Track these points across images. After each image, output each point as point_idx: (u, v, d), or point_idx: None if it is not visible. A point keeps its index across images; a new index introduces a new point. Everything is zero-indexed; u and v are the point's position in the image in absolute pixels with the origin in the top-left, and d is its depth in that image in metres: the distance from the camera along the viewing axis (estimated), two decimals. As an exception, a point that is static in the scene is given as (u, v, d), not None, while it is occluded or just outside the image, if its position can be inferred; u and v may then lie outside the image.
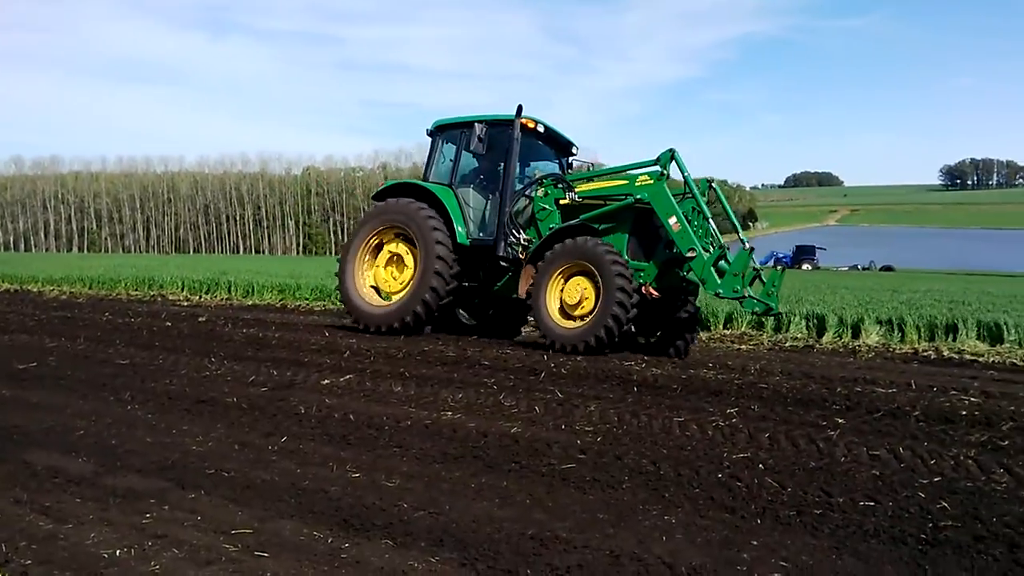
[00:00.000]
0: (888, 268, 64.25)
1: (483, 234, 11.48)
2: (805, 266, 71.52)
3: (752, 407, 7.19)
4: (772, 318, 13.59)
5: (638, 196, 10.49)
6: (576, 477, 5.46)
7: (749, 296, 9.62)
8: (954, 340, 14.63)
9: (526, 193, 11.58)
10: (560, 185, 11.25)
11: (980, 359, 13.14)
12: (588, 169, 12.03)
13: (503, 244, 11.12)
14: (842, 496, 5.01)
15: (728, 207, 11.01)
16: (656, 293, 10.30)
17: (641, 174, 10.64)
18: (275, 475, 5.50)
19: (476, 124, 10.99)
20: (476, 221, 11.60)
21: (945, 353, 13.65)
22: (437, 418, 7.03)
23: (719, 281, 9.71)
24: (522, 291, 10.68)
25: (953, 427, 6.42)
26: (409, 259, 11.57)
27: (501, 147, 11.26)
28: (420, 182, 11.81)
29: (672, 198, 10.18)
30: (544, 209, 11.24)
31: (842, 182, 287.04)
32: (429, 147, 12.35)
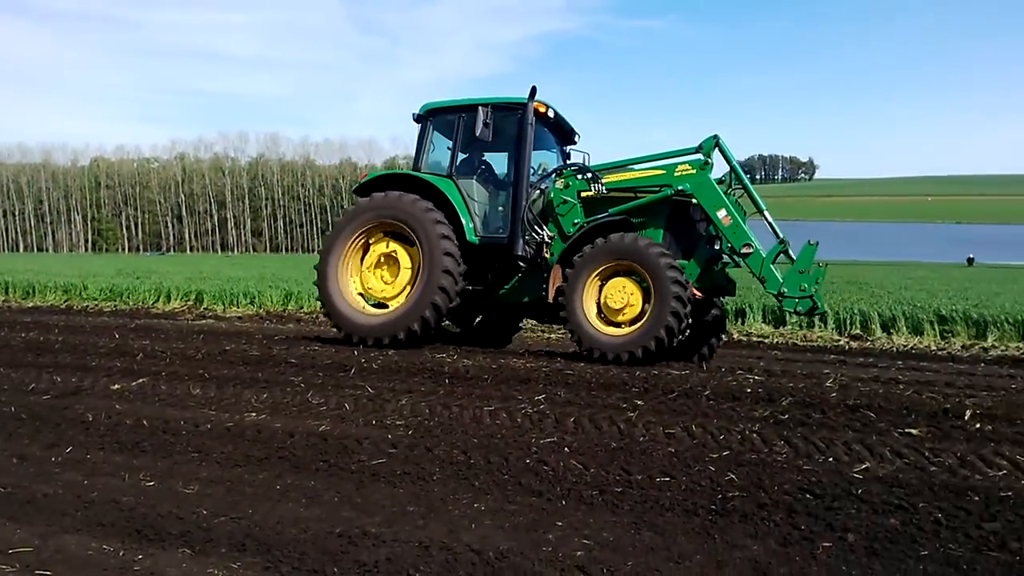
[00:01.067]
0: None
1: (493, 231, 10.22)
2: None
3: (559, 393, 7.44)
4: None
5: (679, 187, 9.45)
6: (387, 472, 5.45)
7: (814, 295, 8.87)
8: (743, 323, 15.88)
9: (540, 185, 10.54)
10: (582, 175, 10.13)
11: (766, 340, 14.33)
12: (585, 161, 10.78)
13: (520, 242, 9.87)
14: (640, 474, 5.30)
15: (755, 195, 9.66)
16: (700, 294, 9.60)
17: (681, 163, 9.65)
18: (59, 488, 5.12)
19: (480, 108, 9.80)
20: (482, 217, 10.37)
21: (735, 336, 14.75)
22: (240, 420, 6.78)
23: (780, 279, 8.98)
24: (552, 293, 9.73)
25: (740, 404, 6.94)
26: (406, 260, 10.18)
27: (506, 133, 10.16)
28: (416, 173, 10.43)
29: (719, 189, 9.37)
30: (565, 202, 10.04)
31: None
32: (418, 134, 10.88)
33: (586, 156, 10.97)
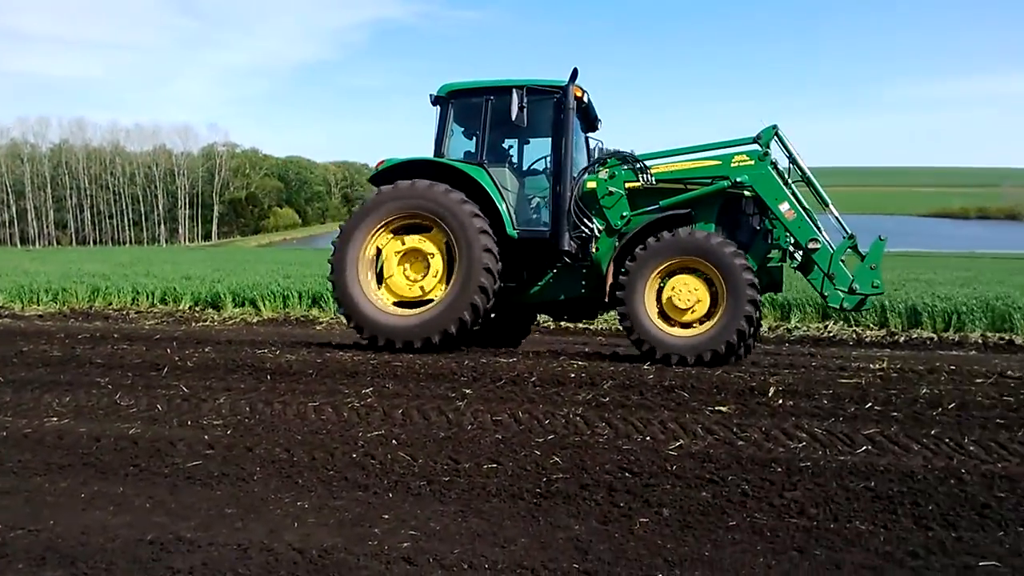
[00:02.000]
0: None
1: (533, 224, 9.63)
2: None
3: (387, 385, 7.40)
4: None
5: (737, 179, 9.02)
6: (203, 474, 5.23)
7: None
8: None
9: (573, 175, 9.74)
10: (628, 165, 9.55)
11: (590, 327, 14.83)
12: (600, 149, 10.28)
13: (567, 236, 9.25)
14: (468, 462, 5.36)
15: (820, 188, 9.30)
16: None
17: (737, 153, 9.23)
18: None
19: (515, 90, 9.10)
20: (518, 208, 9.72)
21: (562, 323, 15.17)
22: (39, 426, 6.31)
23: (850, 275, 8.70)
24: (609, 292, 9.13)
25: (564, 389, 7.16)
26: (437, 256, 9.37)
27: (537, 118, 9.48)
28: (446, 160, 9.67)
29: (780, 181, 9.02)
30: (611, 194, 9.41)
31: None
32: (438, 117, 9.99)
33: (600, 144, 10.49)
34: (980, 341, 13.26)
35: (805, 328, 14.36)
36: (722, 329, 8.47)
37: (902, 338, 13.53)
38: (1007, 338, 13.41)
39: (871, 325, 14.41)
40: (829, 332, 14.10)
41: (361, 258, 9.40)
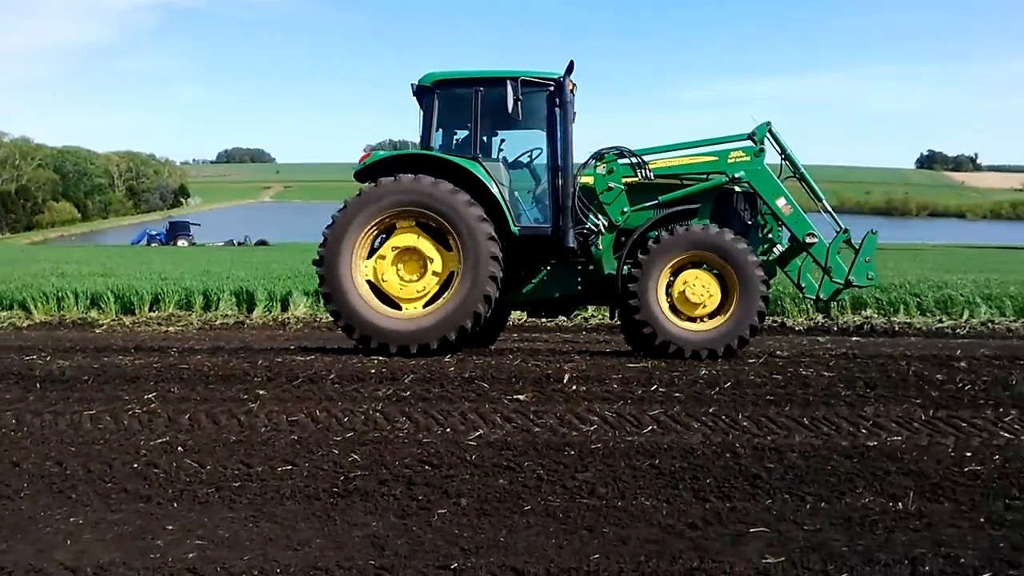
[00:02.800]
0: (263, 242, 66.34)
1: (534, 221, 9.36)
2: (181, 242, 68.97)
3: (172, 390, 7.04)
4: None
5: (735, 174, 9.18)
6: (-41, 495, 4.76)
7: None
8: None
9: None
10: (625, 160, 9.46)
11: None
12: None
13: (571, 233, 9.03)
14: (261, 465, 5.20)
15: (813, 184, 9.55)
16: None
17: (733, 149, 9.32)
18: None
19: (509, 81, 8.78)
20: (515, 204, 9.34)
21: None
22: None
23: (846, 268, 9.00)
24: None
25: (364, 385, 7.12)
26: (436, 257, 8.88)
27: (529, 111, 9.20)
28: (442, 155, 9.11)
29: (775, 177, 9.22)
30: (610, 189, 9.30)
31: (274, 159, 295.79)
32: (424, 109, 9.43)
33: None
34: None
35: (601, 317, 14.99)
36: (736, 324, 8.64)
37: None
38: (780, 321, 14.66)
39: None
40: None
41: (353, 256, 8.83)
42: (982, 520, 4.23)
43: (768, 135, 9.40)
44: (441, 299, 8.83)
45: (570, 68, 9.23)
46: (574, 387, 6.96)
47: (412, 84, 9.53)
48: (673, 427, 5.95)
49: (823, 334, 13.25)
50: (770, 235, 9.62)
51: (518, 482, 4.86)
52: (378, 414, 6.26)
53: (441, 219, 8.72)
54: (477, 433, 5.80)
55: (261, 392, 6.91)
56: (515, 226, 9.05)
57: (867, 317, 14.77)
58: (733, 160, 9.30)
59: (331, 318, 9.19)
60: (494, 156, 9.76)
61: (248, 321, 14.92)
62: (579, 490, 4.73)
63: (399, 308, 8.90)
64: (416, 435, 5.81)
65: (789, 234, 9.30)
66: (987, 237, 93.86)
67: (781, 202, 9.16)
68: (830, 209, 9.56)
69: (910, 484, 4.78)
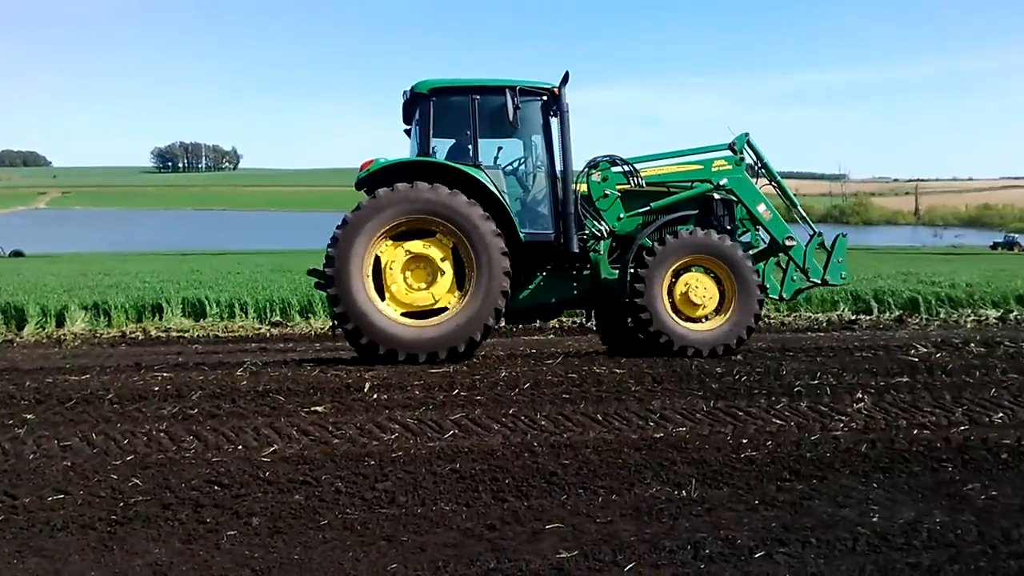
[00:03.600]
0: (18, 253, 61.44)
1: (537, 227, 9.50)
2: None
3: (-80, 419, 6.34)
4: None
5: (718, 182, 9.83)
6: None
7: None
8: (161, 319, 15.36)
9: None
10: (618, 168, 9.84)
11: (186, 334, 14.09)
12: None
13: (575, 239, 9.26)
14: (29, 496, 4.78)
15: (788, 191, 10.41)
16: None
17: (716, 159, 9.98)
18: None
19: (508, 90, 9.04)
20: (516, 211, 9.39)
21: (153, 333, 14.22)
22: None
23: (822, 269, 9.85)
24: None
25: (146, 404, 6.70)
26: (446, 264, 8.91)
27: (528, 120, 9.50)
28: (451, 163, 9.14)
29: (755, 184, 9.98)
30: (606, 196, 9.74)
31: (50, 163, 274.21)
32: (419, 116, 9.48)
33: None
34: (556, 325, 14.88)
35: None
36: (735, 324, 9.21)
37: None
38: (579, 321, 15.21)
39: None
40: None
41: (363, 265, 8.72)
42: (756, 502, 4.59)
43: (747, 145, 10.10)
44: (450, 311, 8.88)
45: (565, 78, 9.42)
46: (375, 396, 6.90)
47: (405, 91, 9.76)
48: (474, 430, 6.03)
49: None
50: (744, 238, 10.11)
51: (315, 497, 4.75)
52: (162, 434, 5.92)
53: (456, 230, 8.80)
54: (271, 449, 5.61)
55: (29, 416, 6.36)
56: (522, 233, 9.26)
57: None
58: (717, 168, 10.01)
59: (336, 322, 9.00)
60: (495, 163, 9.87)
61: (18, 339, 13.70)
62: (379, 500, 4.69)
63: (410, 316, 8.90)
64: (205, 454, 5.54)
65: (769, 237, 10.01)
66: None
67: (762, 207, 9.94)
68: (804, 214, 10.56)
69: (693, 472, 5.11)
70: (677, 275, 9.33)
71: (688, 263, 9.35)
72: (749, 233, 10.17)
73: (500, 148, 10.09)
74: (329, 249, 8.74)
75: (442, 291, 8.92)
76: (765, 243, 10.12)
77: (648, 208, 9.87)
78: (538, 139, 9.74)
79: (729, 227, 9.97)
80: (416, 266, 8.96)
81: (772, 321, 14.87)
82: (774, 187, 10.38)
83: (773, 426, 6.22)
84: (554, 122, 9.50)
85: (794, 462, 5.31)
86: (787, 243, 9.87)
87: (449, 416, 6.28)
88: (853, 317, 15.50)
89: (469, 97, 9.35)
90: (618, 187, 9.88)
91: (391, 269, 8.87)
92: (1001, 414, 6.45)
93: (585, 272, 9.85)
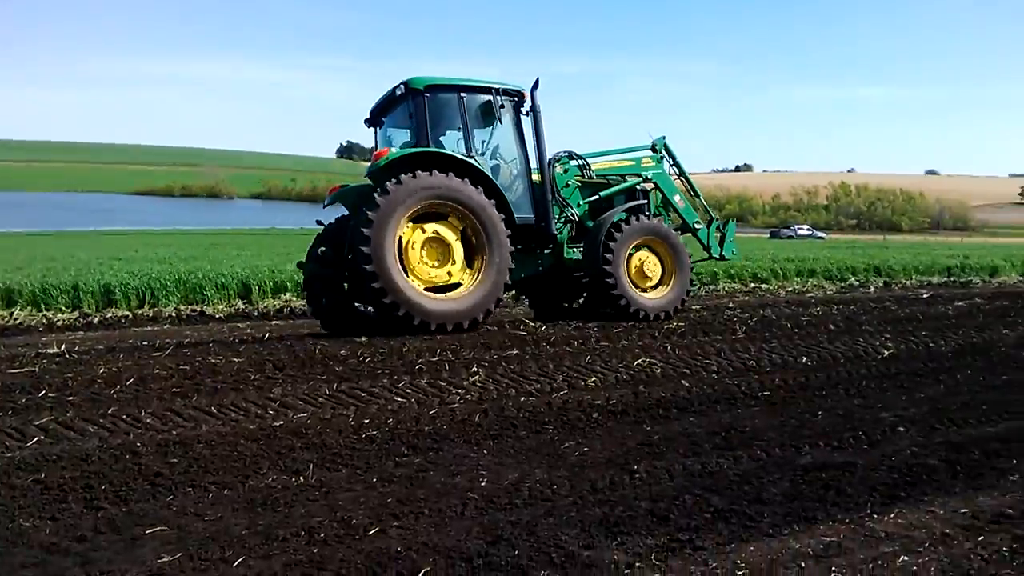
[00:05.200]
0: None
1: (522, 212, 10.91)
2: None
3: None
4: None
5: (646, 175, 12.34)
6: None
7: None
8: None
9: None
10: (575, 162, 11.93)
11: None
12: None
13: (552, 222, 11.04)
14: None
15: (693, 184, 13.26)
16: None
17: (643, 156, 12.47)
18: None
19: (493, 90, 10.68)
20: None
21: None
22: None
23: (720, 248, 12.59)
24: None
25: None
26: (457, 245, 10.13)
27: (504, 117, 10.93)
28: (457, 155, 10.28)
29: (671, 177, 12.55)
30: (568, 186, 11.71)
31: None
32: (414, 109, 10.44)
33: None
34: (174, 315, 14.00)
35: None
36: (676, 294, 11.58)
37: (96, 319, 13.40)
38: (199, 309, 14.47)
39: (63, 308, 13.90)
40: (16, 319, 13.17)
41: (394, 245, 9.59)
42: (375, 480, 4.67)
43: (664, 147, 12.65)
44: (465, 286, 10.09)
45: (536, 83, 10.83)
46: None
47: (399, 84, 10.55)
48: (65, 435, 5.44)
49: (244, 320, 13.46)
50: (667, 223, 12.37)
51: None
52: None
53: (469, 213, 9.97)
54: None
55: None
56: (516, 217, 10.59)
57: (287, 300, 15.42)
58: (645, 165, 12.51)
59: (377, 296, 9.51)
60: (480, 155, 10.77)
61: None
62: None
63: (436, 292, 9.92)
64: None
65: (681, 221, 12.58)
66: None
67: (677, 197, 12.58)
68: (705, 203, 13.24)
69: (312, 457, 5.07)
70: (630, 253, 11.30)
71: (640, 243, 11.42)
72: (663, 217, 12.31)
73: (484, 141, 11.02)
74: (364, 231, 9.39)
75: (456, 268, 10.12)
76: (675, 226, 12.40)
77: (598, 197, 11.90)
78: (514, 134, 11.06)
79: (646, 213, 12.02)
80: (431, 246, 10.04)
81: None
82: (682, 181, 12.94)
83: (395, 404, 6.39)
84: (526, 120, 10.97)
85: (412, 437, 5.50)
86: (696, 226, 12.57)
87: (34, 421, 5.60)
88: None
89: (457, 95, 10.54)
90: (576, 179, 11.90)
91: (412, 249, 9.86)
92: (594, 378, 7.25)
93: (547, 252, 11.43)
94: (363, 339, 9.10)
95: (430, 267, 9.99)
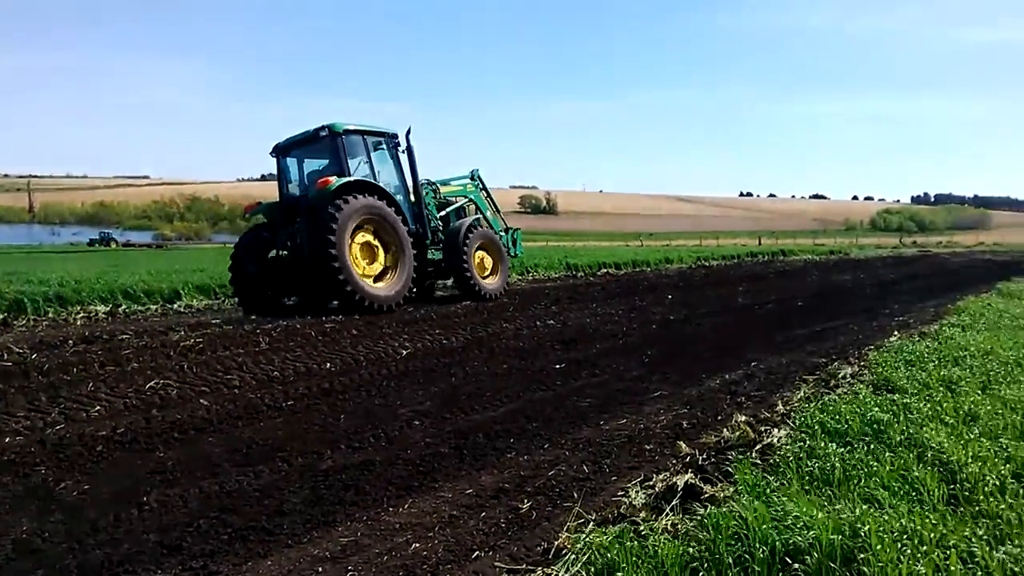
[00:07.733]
0: None
1: (409, 224, 14.94)
2: None
3: None
4: None
5: (469, 197, 17.63)
6: None
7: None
8: None
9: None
10: (430, 186, 16.60)
11: None
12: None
13: (428, 232, 15.58)
14: None
15: (496, 202, 18.80)
16: None
17: (466, 183, 17.89)
18: None
19: (384, 134, 15.20)
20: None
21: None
22: None
23: (514, 247, 18.42)
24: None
25: None
26: (381, 249, 14.09)
27: (391, 154, 15.46)
28: (374, 182, 14.31)
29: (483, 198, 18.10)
30: (428, 205, 16.07)
31: None
32: (342, 147, 14.26)
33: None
34: None
35: None
36: (503, 279, 17.00)
37: None
38: None
39: None
40: None
41: (347, 249, 13.20)
42: None
43: (478, 176, 18.13)
44: (387, 278, 14.12)
45: (409, 131, 15.37)
46: None
47: (323, 126, 14.37)
48: None
49: None
50: None
51: None
52: None
53: (388, 226, 14.06)
54: None
55: None
56: (410, 228, 14.82)
57: None
58: (469, 189, 17.68)
59: (341, 286, 13.05)
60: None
61: None
62: None
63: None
64: None
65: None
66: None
67: (489, 212, 17.85)
68: (503, 218, 18.66)
69: None
70: (475, 252, 16.02)
71: (480, 245, 16.13)
72: None
73: (378, 172, 14.80)
74: (331, 238, 12.87)
75: (381, 265, 14.00)
76: None
77: (445, 213, 16.62)
78: (396, 166, 15.40)
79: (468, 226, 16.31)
80: (364, 249, 13.79)
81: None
82: (488, 200, 18.17)
83: None
84: (403, 157, 15.32)
85: None
86: (500, 234, 17.61)
87: None
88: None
89: (362, 137, 14.68)
90: (433, 199, 16.41)
91: (351, 251, 13.38)
92: (99, 407, 6.61)
93: (417, 252, 14.95)
94: None
95: (366, 264, 13.81)
